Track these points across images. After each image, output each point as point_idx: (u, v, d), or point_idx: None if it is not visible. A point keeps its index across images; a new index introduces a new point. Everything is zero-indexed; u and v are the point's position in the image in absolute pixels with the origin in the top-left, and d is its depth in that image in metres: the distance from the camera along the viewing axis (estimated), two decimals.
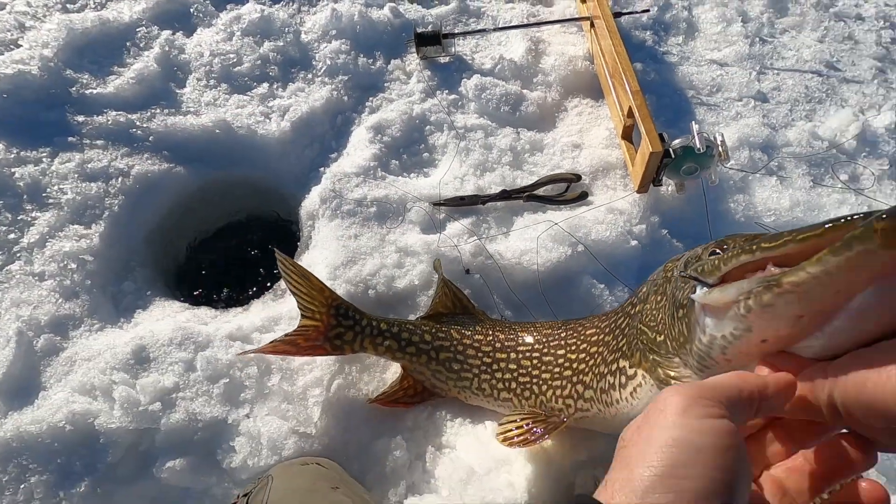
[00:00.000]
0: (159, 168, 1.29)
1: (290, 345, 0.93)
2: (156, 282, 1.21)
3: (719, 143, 1.09)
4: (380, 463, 0.90)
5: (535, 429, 0.82)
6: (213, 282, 1.45)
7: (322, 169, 1.34)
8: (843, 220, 0.41)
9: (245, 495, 0.75)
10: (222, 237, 1.48)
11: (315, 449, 0.90)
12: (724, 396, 0.40)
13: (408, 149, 1.37)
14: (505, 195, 1.23)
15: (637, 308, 0.75)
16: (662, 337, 0.66)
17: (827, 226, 0.42)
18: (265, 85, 1.43)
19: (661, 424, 0.39)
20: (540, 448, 0.89)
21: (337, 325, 0.95)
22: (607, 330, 0.83)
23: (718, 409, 0.39)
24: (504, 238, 1.17)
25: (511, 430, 0.82)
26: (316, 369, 1.02)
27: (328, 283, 1.12)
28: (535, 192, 1.24)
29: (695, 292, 0.55)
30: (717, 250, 0.57)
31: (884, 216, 0.36)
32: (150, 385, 0.92)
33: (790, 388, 0.43)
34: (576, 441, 0.88)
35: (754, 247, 0.48)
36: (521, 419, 0.84)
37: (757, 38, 1.59)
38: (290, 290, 0.95)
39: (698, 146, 1.06)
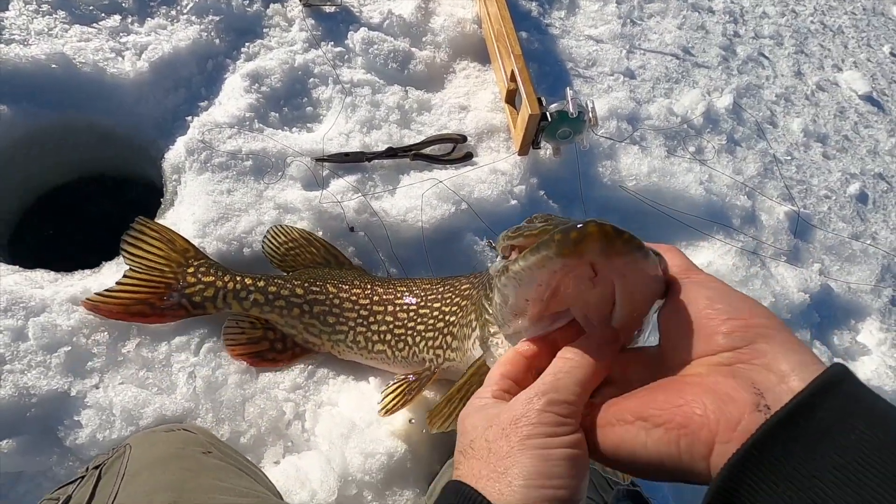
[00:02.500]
0: None
1: (145, 305, 0.84)
2: None
3: (590, 109, 1.16)
4: (255, 425, 0.86)
5: (410, 388, 0.83)
6: (56, 244, 1.25)
7: (189, 118, 1.21)
8: (551, 226, 0.46)
9: (97, 467, 0.67)
10: (69, 193, 1.28)
11: (179, 415, 0.83)
12: (566, 401, 0.43)
13: (289, 101, 1.28)
14: (391, 153, 1.21)
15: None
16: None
17: (539, 230, 0.47)
18: (116, 17, 1.24)
19: (517, 435, 0.42)
20: (420, 400, 0.91)
21: (197, 282, 0.89)
22: (478, 286, 0.87)
23: (565, 417, 0.42)
24: (389, 196, 1.16)
25: (388, 399, 0.84)
26: (182, 333, 0.93)
27: (196, 241, 1.03)
28: (422, 150, 1.23)
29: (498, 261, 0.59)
30: (511, 230, 0.59)
31: (561, 231, 0.41)
32: None
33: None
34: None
35: (510, 234, 0.52)
36: (397, 386, 0.86)
37: (628, 20, 1.72)
38: (140, 255, 0.89)
39: (571, 111, 1.13)
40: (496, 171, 1.21)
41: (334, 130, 1.24)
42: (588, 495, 0.74)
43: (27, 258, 1.20)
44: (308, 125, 1.28)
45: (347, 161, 1.19)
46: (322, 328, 0.93)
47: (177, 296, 0.89)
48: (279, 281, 0.94)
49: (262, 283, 0.93)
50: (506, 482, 0.40)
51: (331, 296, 0.94)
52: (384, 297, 0.93)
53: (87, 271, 0.99)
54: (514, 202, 1.18)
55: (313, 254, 1.00)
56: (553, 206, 1.25)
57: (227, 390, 0.88)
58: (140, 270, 0.90)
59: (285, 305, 0.92)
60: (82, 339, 0.86)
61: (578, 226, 0.40)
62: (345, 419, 0.88)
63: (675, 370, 0.43)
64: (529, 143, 1.22)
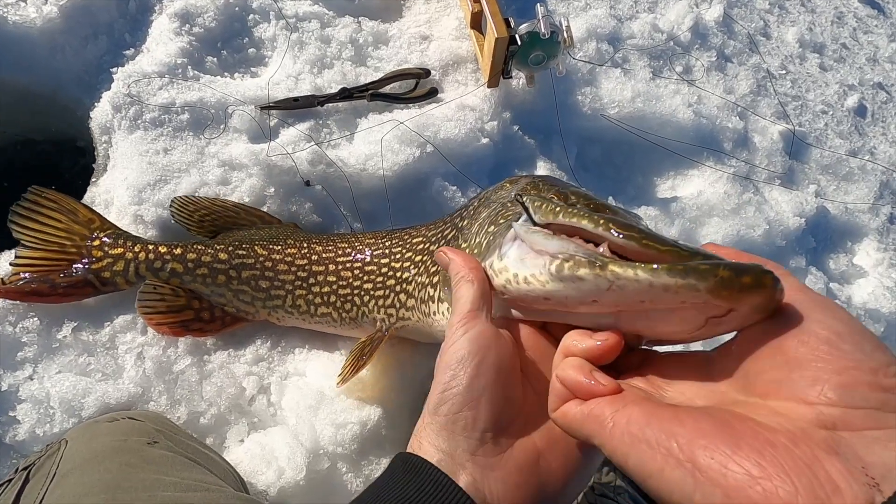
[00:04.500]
0: None
1: (44, 282, 0.76)
2: None
3: (564, 28, 1.03)
4: (214, 404, 0.80)
5: (362, 353, 0.77)
6: None
7: (114, 70, 1.06)
8: (685, 250, 0.41)
9: (26, 468, 0.60)
10: None
11: (125, 403, 0.76)
12: (477, 305, 0.48)
13: (227, 43, 1.13)
14: (346, 94, 1.08)
15: (465, 222, 0.70)
16: (466, 245, 0.62)
17: (671, 247, 0.42)
18: None
19: (445, 348, 0.47)
20: (393, 360, 0.84)
21: (104, 255, 0.82)
22: (433, 239, 0.78)
23: (474, 317, 0.47)
24: (347, 142, 1.04)
25: (345, 369, 0.78)
26: (126, 311, 0.85)
27: (132, 208, 0.93)
28: (381, 90, 1.10)
29: (517, 220, 0.53)
30: (558, 197, 0.54)
31: (728, 267, 0.36)
32: None
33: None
34: (428, 351, 0.85)
35: (601, 221, 0.46)
36: (350, 355, 0.80)
37: None
38: (36, 228, 0.81)
39: (543, 31, 1.00)
40: (464, 107, 1.09)
41: (281, 73, 1.11)
42: None
43: None
44: (252, 69, 1.14)
45: (297, 107, 1.06)
46: (255, 294, 0.85)
47: (82, 271, 0.81)
48: (199, 247, 0.85)
49: (178, 251, 0.84)
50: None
51: (261, 258, 0.85)
52: (324, 255, 0.85)
53: (9, 252, 0.89)
54: (485, 140, 1.07)
55: (233, 217, 0.91)
56: (529, 141, 1.14)
57: (180, 369, 0.81)
58: (36, 246, 0.81)
59: (209, 273, 0.84)
60: (9, 327, 0.77)
61: (747, 268, 0.36)
62: (313, 390, 0.82)
63: (739, 398, 0.35)
64: (499, 73, 1.09)
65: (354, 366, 0.78)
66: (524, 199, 0.53)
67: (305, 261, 0.86)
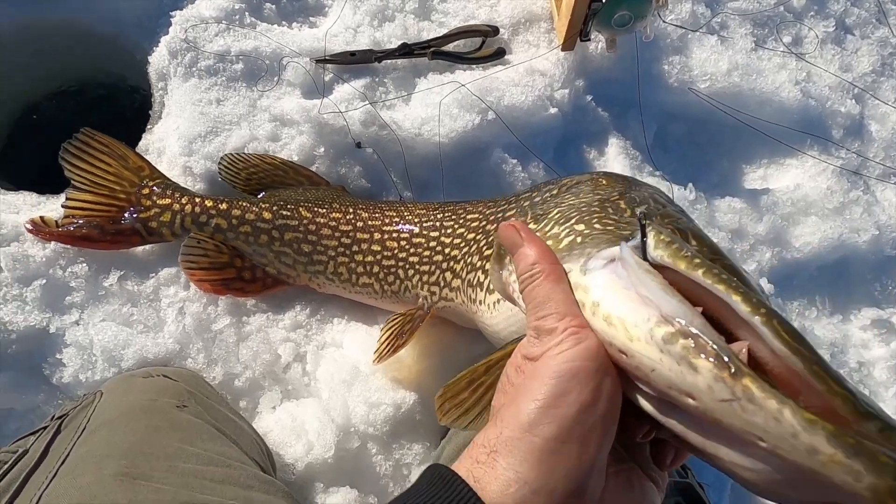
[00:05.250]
0: None
1: (94, 228, 0.77)
2: None
3: None
4: (249, 367, 0.78)
5: (403, 329, 0.72)
6: (48, 163, 1.17)
7: (173, 13, 1.03)
8: (862, 405, 0.32)
9: (60, 417, 0.61)
10: (53, 107, 1.17)
11: (163, 358, 0.75)
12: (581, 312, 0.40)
13: None
14: (406, 51, 1.00)
15: (540, 205, 0.62)
16: (538, 230, 0.53)
17: (847, 393, 0.33)
18: None
19: (546, 355, 0.38)
20: (434, 342, 0.79)
21: (152, 205, 0.80)
22: (491, 218, 0.71)
23: (585, 325, 0.39)
24: (403, 104, 0.97)
25: (381, 344, 0.73)
26: (171, 264, 0.84)
27: (182, 159, 0.91)
28: (443, 47, 1.01)
29: (627, 241, 0.44)
30: (698, 244, 0.45)
31: None
32: None
33: None
34: (474, 335, 0.79)
35: (763, 311, 0.36)
36: (387, 329, 0.75)
37: None
38: (86, 169, 0.80)
39: None
40: (533, 72, 0.99)
41: (339, 25, 1.04)
42: None
43: (18, 177, 1.12)
44: (310, 19, 1.08)
45: (354, 62, 0.99)
46: (296, 257, 0.82)
47: (130, 219, 0.80)
48: (244, 204, 0.83)
49: (224, 207, 0.82)
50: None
51: (305, 221, 0.81)
52: (370, 222, 0.80)
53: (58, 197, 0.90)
54: (553, 110, 0.97)
55: (281, 176, 0.87)
56: (602, 114, 1.02)
57: (219, 329, 0.80)
58: (86, 187, 0.81)
59: (252, 231, 0.81)
60: (59, 271, 0.78)
61: None
62: (348, 363, 0.78)
63: None
64: (577, 34, 0.97)
65: (392, 343, 0.74)
66: (646, 222, 0.43)
67: (350, 227, 0.82)
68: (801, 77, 1.10)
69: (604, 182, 0.59)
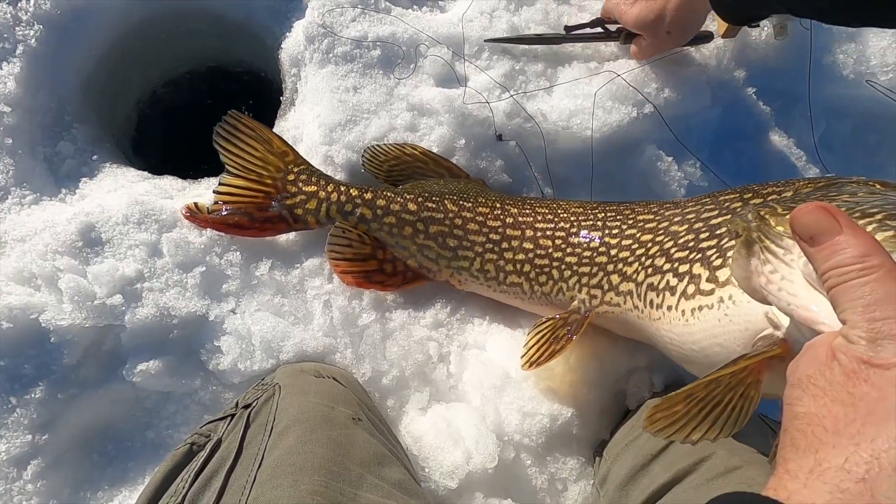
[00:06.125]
0: None
1: (244, 215, 0.78)
2: (102, 142, 0.96)
3: None
4: (396, 365, 0.76)
5: (557, 336, 0.67)
6: (176, 146, 1.19)
7: None
8: None
9: (246, 406, 0.61)
10: (183, 89, 1.19)
11: (320, 352, 0.75)
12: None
13: None
14: (600, 26, 0.91)
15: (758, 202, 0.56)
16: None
17: None
18: None
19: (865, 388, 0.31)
20: (589, 351, 0.75)
21: (297, 192, 0.80)
22: (678, 219, 0.65)
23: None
24: (547, 95, 0.91)
25: (532, 349, 0.70)
26: (314, 254, 0.83)
27: (322, 148, 0.89)
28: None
29: None
30: None
31: None
32: (106, 274, 0.73)
33: None
34: (632, 345, 0.74)
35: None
36: (537, 333, 0.71)
37: None
38: (236, 153, 0.80)
39: None
40: (690, 62, 0.91)
41: (474, 9, 0.99)
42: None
43: (151, 156, 1.15)
44: (439, 3, 1.03)
45: (537, 42, 0.93)
46: (440, 252, 0.79)
47: (277, 206, 0.80)
48: (389, 194, 0.81)
49: (369, 196, 0.80)
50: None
51: (450, 214, 0.79)
52: (520, 219, 0.76)
53: (214, 179, 0.90)
54: (711, 104, 0.89)
55: (421, 168, 0.84)
56: (763, 108, 0.93)
57: (365, 324, 0.79)
58: (238, 173, 0.81)
59: (396, 223, 0.79)
60: (215, 258, 0.78)
61: None
62: (497, 368, 0.75)
63: None
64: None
65: (546, 349, 0.70)
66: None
67: (499, 223, 0.78)
68: None
69: (879, 186, 0.53)
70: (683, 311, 0.59)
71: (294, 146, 0.93)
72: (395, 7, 0.99)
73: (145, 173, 0.93)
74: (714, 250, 0.59)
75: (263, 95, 1.18)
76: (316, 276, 0.82)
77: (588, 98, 0.87)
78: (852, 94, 0.95)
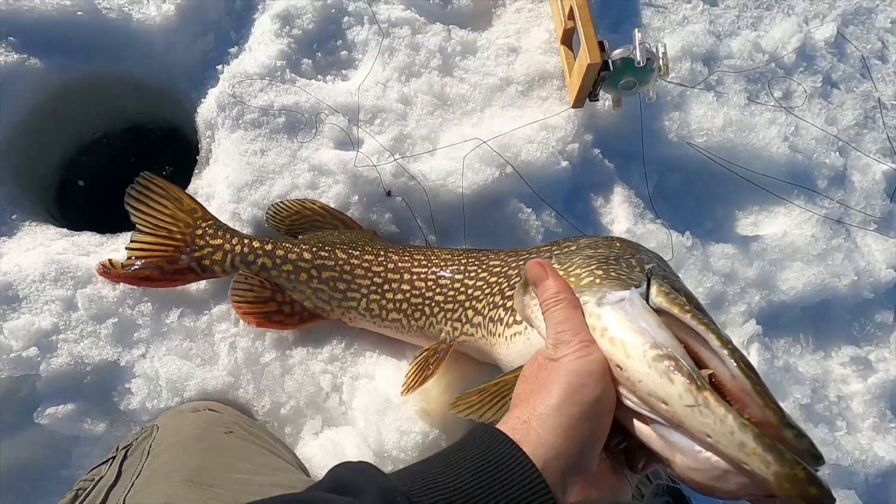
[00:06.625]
0: (6, 59, 1.04)
1: (154, 269, 0.88)
2: (22, 202, 1.04)
3: (660, 55, 1.00)
4: (294, 397, 0.88)
5: (429, 361, 0.82)
6: (98, 203, 1.27)
7: (220, 67, 1.14)
8: (788, 422, 0.46)
9: (125, 448, 0.70)
10: (106, 148, 1.28)
11: (220, 389, 0.85)
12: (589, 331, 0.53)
13: (322, 45, 1.18)
14: None
15: (563, 250, 0.75)
16: (562, 270, 0.66)
17: (776, 410, 0.47)
18: None
19: (568, 359, 0.51)
20: (458, 376, 0.89)
21: (205, 245, 0.91)
22: (514, 265, 0.82)
23: (594, 342, 0.52)
24: (429, 157, 1.07)
25: (409, 378, 0.83)
26: (222, 301, 0.94)
27: (231, 206, 1.01)
28: None
29: (636, 287, 0.58)
30: (685, 297, 0.58)
31: (807, 471, 0.43)
32: (22, 328, 0.81)
33: None
34: (492, 368, 0.89)
35: (729, 346, 0.51)
36: (414, 363, 0.85)
37: None
38: (146, 213, 0.90)
39: (639, 59, 0.97)
40: (547, 128, 1.09)
41: (370, 80, 1.14)
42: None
43: (71, 212, 1.22)
44: (343, 72, 1.18)
45: None
46: (332, 294, 0.92)
47: (186, 258, 0.90)
48: (287, 245, 0.93)
49: (269, 247, 0.92)
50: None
51: (340, 261, 0.92)
52: (399, 264, 0.91)
53: (130, 234, 1.00)
54: (564, 164, 1.07)
55: (319, 221, 0.98)
56: (608, 165, 1.13)
57: (266, 362, 0.90)
58: (148, 230, 0.91)
59: (293, 270, 0.91)
60: (128, 309, 0.88)
61: (820, 484, 0.43)
62: (381, 395, 0.88)
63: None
64: (586, 96, 1.08)
65: (419, 376, 0.84)
66: (652, 276, 0.58)
67: (382, 268, 0.92)
68: (789, 131, 1.21)
69: (618, 244, 0.72)
70: (507, 338, 0.75)
71: (206, 203, 1.04)
72: (300, 78, 1.13)
73: (64, 230, 1.01)
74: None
75: (184, 151, 1.28)
76: (223, 321, 0.93)
77: (460, 160, 1.03)
78: (680, 154, 1.16)
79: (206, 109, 1.11)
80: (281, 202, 0.99)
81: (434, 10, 1.22)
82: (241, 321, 0.92)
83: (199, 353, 0.88)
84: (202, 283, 0.95)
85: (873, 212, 1.20)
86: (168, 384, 0.83)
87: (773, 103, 1.25)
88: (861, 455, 0.96)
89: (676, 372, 0.47)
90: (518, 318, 0.73)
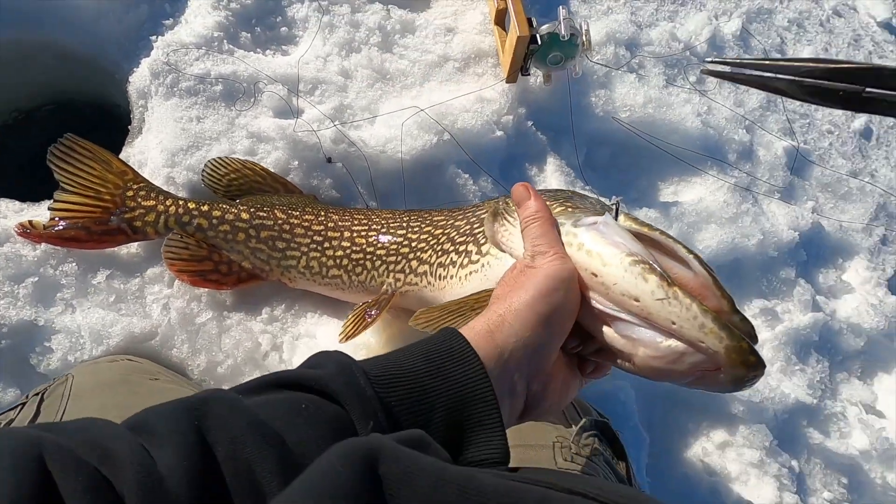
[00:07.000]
0: None
1: (81, 229, 0.84)
2: None
3: (584, 31, 1.08)
4: (231, 355, 0.86)
5: (368, 311, 0.83)
6: (23, 174, 1.21)
7: (154, 38, 1.12)
8: (735, 309, 0.58)
9: (37, 394, 0.66)
10: (33, 119, 1.22)
11: (149, 332, 0.83)
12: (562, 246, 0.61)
13: (261, 20, 1.19)
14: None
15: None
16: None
17: (728, 298, 0.58)
18: None
19: (542, 267, 0.58)
20: (398, 330, 0.91)
21: (136, 206, 0.89)
22: (461, 218, 0.86)
23: (566, 254, 0.60)
24: (369, 125, 1.10)
25: (348, 325, 0.84)
26: (156, 263, 0.92)
27: (165, 170, 0.99)
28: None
29: (611, 213, 0.67)
30: (646, 223, 0.67)
31: (749, 344, 0.53)
32: None
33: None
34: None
35: (690, 251, 0.61)
36: (353, 314, 0.86)
37: None
38: (71, 172, 0.87)
39: (563, 33, 1.05)
40: (482, 100, 1.15)
41: (311, 53, 1.16)
42: (557, 423, 0.76)
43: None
44: (283, 47, 1.20)
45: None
46: (271, 254, 0.92)
47: (116, 220, 0.88)
48: (224, 206, 0.92)
49: (205, 208, 0.91)
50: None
51: (280, 221, 0.92)
52: (340, 223, 0.92)
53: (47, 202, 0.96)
54: (499, 133, 1.13)
55: (259, 182, 0.97)
56: (541, 137, 1.19)
57: (202, 322, 0.88)
58: (73, 190, 0.87)
59: (230, 230, 0.91)
60: (49, 269, 0.84)
61: (758, 354, 0.54)
62: (322, 349, 0.88)
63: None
64: (518, 69, 1.14)
65: (358, 324, 0.85)
66: (618, 207, 0.67)
67: (322, 227, 0.93)
68: (702, 110, 1.32)
69: (569, 191, 0.83)
70: (461, 277, 0.78)
71: (139, 170, 1.02)
72: (238, 49, 1.13)
73: None
74: (482, 234, 0.79)
75: (116, 126, 1.24)
76: (156, 283, 0.90)
77: (398, 128, 1.06)
78: (606, 128, 1.24)
79: (139, 78, 1.09)
80: (221, 158, 0.98)
81: None
82: (176, 282, 0.90)
83: (129, 312, 0.85)
84: (134, 247, 0.92)
85: (776, 182, 1.32)
86: (91, 334, 0.79)
87: (688, 86, 1.37)
88: (770, 393, 1.05)
89: (650, 273, 0.56)
90: (474, 257, 0.76)
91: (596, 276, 0.57)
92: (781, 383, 1.08)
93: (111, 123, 1.23)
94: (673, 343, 0.54)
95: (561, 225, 0.64)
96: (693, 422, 1.05)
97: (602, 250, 0.58)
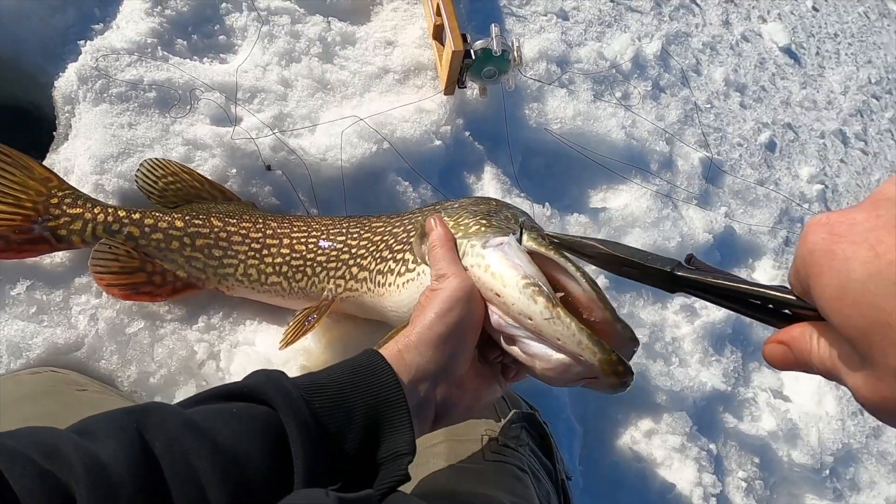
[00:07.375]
0: None
1: (0, 239, 0.80)
2: None
3: (515, 48, 1.15)
4: (164, 365, 0.85)
5: (308, 317, 0.85)
6: None
7: (82, 42, 1.09)
8: (618, 319, 0.65)
9: None
10: None
11: (73, 343, 0.80)
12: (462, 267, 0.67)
13: (198, 28, 1.18)
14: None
15: (453, 208, 0.84)
16: (452, 222, 0.77)
17: (610, 309, 0.65)
18: None
19: (445, 286, 0.64)
20: (337, 335, 0.92)
21: (61, 214, 0.85)
22: (398, 225, 0.88)
23: (464, 272, 0.66)
24: (309, 133, 1.11)
25: (288, 332, 0.85)
26: (83, 273, 0.88)
27: (93, 178, 0.96)
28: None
29: (513, 234, 0.72)
30: (547, 239, 0.73)
31: (619, 356, 0.60)
32: None
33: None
34: (369, 334, 0.93)
35: (579, 269, 0.66)
36: (293, 320, 0.87)
37: None
38: None
39: (495, 48, 1.11)
40: (421, 111, 1.19)
41: (249, 62, 1.16)
42: (489, 417, 0.80)
43: None
44: (221, 55, 1.19)
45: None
46: (207, 262, 0.90)
47: (38, 228, 0.84)
48: (157, 213, 0.90)
49: (137, 216, 0.88)
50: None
51: (216, 229, 0.91)
52: (279, 230, 0.92)
53: None
54: (438, 143, 1.17)
55: (196, 188, 0.96)
56: (478, 147, 1.25)
57: (133, 332, 0.86)
58: None
59: (163, 238, 0.89)
60: None
61: (627, 366, 0.61)
62: (260, 356, 0.88)
63: None
64: (455, 82, 1.19)
65: (299, 330, 0.85)
66: (523, 227, 0.73)
67: (260, 234, 0.92)
68: (627, 123, 1.43)
69: (494, 203, 0.85)
70: (398, 285, 0.80)
71: (65, 176, 0.98)
72: (174, 56, 1.12)
73: None
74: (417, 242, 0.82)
75: (39, 132, 1.19)
76: (83, 293, 0.87)
77: (339, 136, 1.08)
78: (538, 138, 1.32)
79: (65, 83, 1.05)
80: (157, 159, 0.95)
81: (313, 3, 1.27)
82: (105, 294, 0.87)
83: (52, 324, 0.82)
84: (58, 256, 0.89)
85: (693, 189, 1.45)
86: (9, 347, 0.76)
87: (614, 101, 1.48)
88: (690, 383, 1.15)
89: (539, 295, 0.61)
90: (411, 266, 0.80)
91: (499, 295, 0.63)
92: (700, 373, 1.18)
93: (35, 128, 1.18)
94: (561, 356, 0.61)
95: (472, 246, 0.69)
96: (622, 413, 1.12)
97: (503, 272, 0.64)
